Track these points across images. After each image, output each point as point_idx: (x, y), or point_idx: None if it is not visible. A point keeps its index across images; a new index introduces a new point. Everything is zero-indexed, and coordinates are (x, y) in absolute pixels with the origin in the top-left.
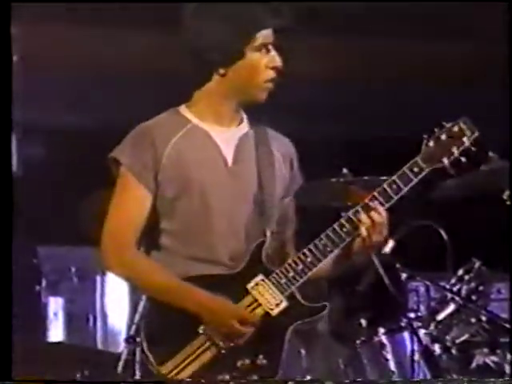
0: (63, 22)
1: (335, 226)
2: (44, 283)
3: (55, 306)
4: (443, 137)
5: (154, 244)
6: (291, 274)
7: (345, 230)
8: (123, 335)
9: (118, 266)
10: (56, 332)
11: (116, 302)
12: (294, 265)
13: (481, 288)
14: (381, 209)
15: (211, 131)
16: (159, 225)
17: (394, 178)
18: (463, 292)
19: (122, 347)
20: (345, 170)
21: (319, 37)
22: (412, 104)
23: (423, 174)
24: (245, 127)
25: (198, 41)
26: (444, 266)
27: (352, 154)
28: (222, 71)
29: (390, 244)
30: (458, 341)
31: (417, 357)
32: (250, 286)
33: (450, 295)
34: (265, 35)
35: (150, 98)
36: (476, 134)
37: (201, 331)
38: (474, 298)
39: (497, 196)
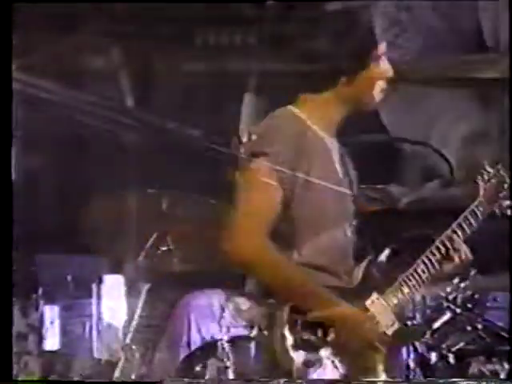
0: (64, 28)
1: (427, 253)
2: (40, 291)
3: (51, 314)
4: (493, 181)
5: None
6: (400, 295)
7: (436, 258)
8: (120, 343)
9: (255, 250)
10: (52, 340)
11: (113, 310)
12: (401, 287)
13: (477, 296)
14: (463, 243)
15: (325, 139)
16: (278, 224)
17: (466, 214)
18: (459, 300)
19: (118, 355)
20: None
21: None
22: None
23: (487, 212)
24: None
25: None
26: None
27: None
28: (344, 79)
29: (386, 252)
30: (453, 349)
31: (412, 365)
32: (368, 303)
33: (445, 303)
34: (384, 45)
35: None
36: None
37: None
38: (469, 306)
39: None
